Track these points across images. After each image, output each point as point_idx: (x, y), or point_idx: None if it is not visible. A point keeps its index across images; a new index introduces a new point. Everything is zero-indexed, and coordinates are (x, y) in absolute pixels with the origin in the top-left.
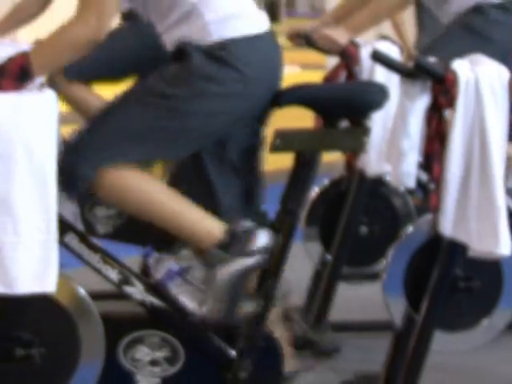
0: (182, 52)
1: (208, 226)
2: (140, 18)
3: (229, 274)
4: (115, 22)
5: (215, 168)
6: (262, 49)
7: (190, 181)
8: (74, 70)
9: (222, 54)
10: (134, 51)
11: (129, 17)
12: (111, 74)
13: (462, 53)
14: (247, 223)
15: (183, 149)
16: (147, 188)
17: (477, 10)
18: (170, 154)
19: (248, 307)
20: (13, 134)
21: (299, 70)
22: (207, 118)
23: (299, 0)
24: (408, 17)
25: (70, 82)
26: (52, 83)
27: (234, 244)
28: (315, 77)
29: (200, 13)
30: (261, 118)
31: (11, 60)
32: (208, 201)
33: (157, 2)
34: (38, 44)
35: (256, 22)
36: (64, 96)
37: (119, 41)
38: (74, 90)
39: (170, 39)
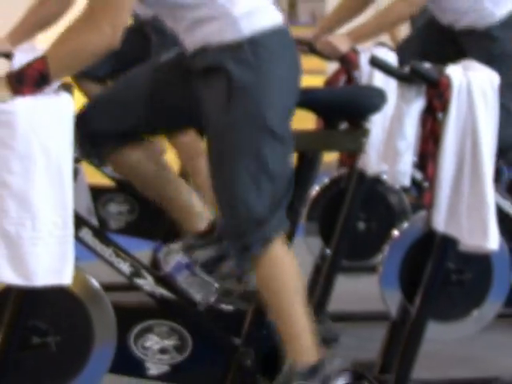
0: (211, 62)
1: (311, 347)
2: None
3: None
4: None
5: None
6: (288, 38)
7: None
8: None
9: (251, 54)
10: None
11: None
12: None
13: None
14: (338, 360)
15: (290, 159)
16: (292, 279)
17: (484, 35)
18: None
19: None
20: (31, 136)
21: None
22: (275, 112)
23: (300, 9)
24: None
25: (89, 82)
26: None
27: (314, 379)
28: (316, 81)
29: (227, 11)
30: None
31: (29, 65)
32: None
33: (171, 5)
34: (55, 49)
35: (276, 15)
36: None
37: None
38: (93, 88)
39: (190, 40)
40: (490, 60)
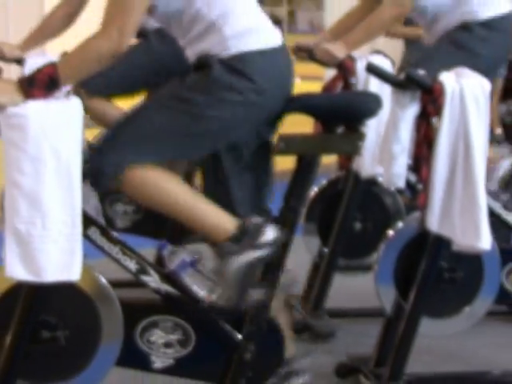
0: (203, 63)
1: (221, 220)
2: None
3: (239, 265)
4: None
5: (231, 166)
6: (275, 62)
7: (207, 177)
8: (93, 85)
9: (239, 66)
10: (144, 68)
11: (140, 34)
12: (124, 91)
13: (449, 66)
14: (258, 219)
15: (200, 150)
16: (166, 185)
17: (463, 27)
18: (188, 154)
19: (255, 295)
20: (42, 138)
21: (300, 80)
22: (224, 123)
23: (299, 18)
24: None
25: (90, 97)
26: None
27: (244, 238)
28: (314, 87)
29: (219, 28)
30: (273, 123)
31: (40, 70)
32: (222, 197)
33: (179, 20)
34: (66, 55)
35: (270, 37)
36: (86, 109)
37: (130, 59)
38: (95, 104)
39: (192, 52)
40: (459, 48)
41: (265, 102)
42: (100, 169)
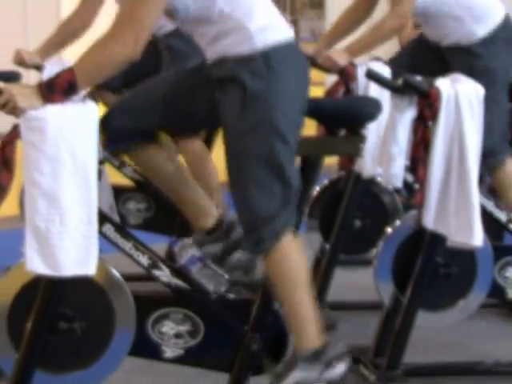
0: (227, 73)
1: (314, 332)
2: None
3: (295, 382)
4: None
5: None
6: (298, 51)
7: None
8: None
9: (264, 67)
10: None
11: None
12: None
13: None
14: (341, 345)
15: (293, 164)
16: (300, 271)
17: (467, 53)
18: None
19: None
20: (60, 140)
21: None
22: (285, 117)
23: (302, 27)
24: None
25: (105, 92)
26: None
27: (318, 360)
28: (317, 92)
29: (244, 25)
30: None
31: (59, 76)
32: None
33: (200, 22)
34: (82, 60)
35: (287, 30)
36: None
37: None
38: (109, 98)
39: (213, 51)
40: (472, 74)
41: (299, 89)
42: (250, 247)
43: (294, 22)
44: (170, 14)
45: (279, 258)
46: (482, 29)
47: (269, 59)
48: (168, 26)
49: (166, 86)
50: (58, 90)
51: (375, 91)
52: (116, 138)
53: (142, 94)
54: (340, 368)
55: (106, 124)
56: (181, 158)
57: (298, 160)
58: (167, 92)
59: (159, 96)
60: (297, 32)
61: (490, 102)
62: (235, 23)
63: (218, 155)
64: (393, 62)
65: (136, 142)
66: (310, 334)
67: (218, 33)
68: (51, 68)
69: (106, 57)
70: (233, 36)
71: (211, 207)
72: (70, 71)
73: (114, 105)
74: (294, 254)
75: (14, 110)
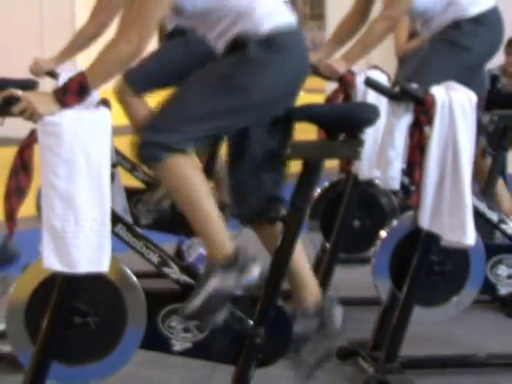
0: (237, 45)
1: (221, 240)
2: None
3: (213, 287)
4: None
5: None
6: (299, 36)
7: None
8: (138, 83)
9: (273, 42)
10: (183, 62)
11: (175, 33)
12: (166, 84)
13: (444, 65)
14: (253, 255)
15: (243, 122)
16: (195, 186)
17: (453, 26)
18: (232, 127)
19: (216, 318)
20: (75, 144)
21: (303, 93)
22: (262, 92)
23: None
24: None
25: (134, 95)
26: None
27: (231, 267)
28: (317, 99)
29: (250, 13)
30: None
31: (72, 79)
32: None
33: (207, 17)
34: (92, 62)
35: (289, 16)
36: (125, 105)
37: (171, 54)
38: (135, 102)
39: (222, 42)
40: (452, 46)
41: (296, 73)
42: (150, 147)
43: None
44: (177, 11)
45: (170, 166)
46: (474, 9)
47: (273, 38)
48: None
49: (178, 50)
50: (70, 92)
51: (373, 98)
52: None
53: (157, 57)
54: (255, 271)
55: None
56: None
57: (298, 163)
58: (178, 55)
59: (171, 58)
60: None
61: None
62: (241, 13)
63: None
64: (399, 72)
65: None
66: (219, 243)
67: (225, 25)
68: (66, 75)
69: (112, 55)
70: (240, 24)
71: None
72: (80, 74)
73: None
74: (184, 170)
75: (32, 117)
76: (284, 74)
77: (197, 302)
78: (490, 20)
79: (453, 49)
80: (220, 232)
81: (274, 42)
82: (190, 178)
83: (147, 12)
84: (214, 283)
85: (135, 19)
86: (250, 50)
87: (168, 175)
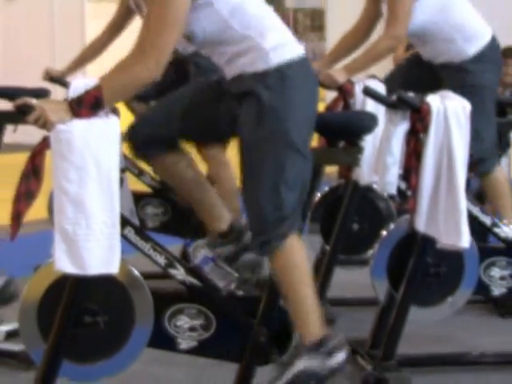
0: (244, 88)
1: (316, 324)
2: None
3: (299, 370)
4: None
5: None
6: (308, 69)
7: None
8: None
9: (278, 81)
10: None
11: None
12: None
13: (482, 109)
14: (340, 335)
15: (308, 168)
16: (303, 273)
17: (458, 70)
18: (308, 169)
19: None
20: (86, 151)
21: None
22: (300, 129)
23: (303, 47)
24: None
25: (135, 102)
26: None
27: (320, 350)
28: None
29: (259, 44)
30: None
31: (88, 92)
32: None
33: (217, 44)
34: (109, 80)
35: (298, 47)
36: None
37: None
38: (138, 107)
39: (230, 69)
40: (463, 89)
41: (310, 100)
42: (258, 247)
43: None
44: (188, 38)
45: (284, 259)
46: (472, 48)
47: (282, 74)
48: (188, 47)
49: (187, 97)
50: (85, 105)
51: (371, 106)
52: (141, 146)
53: (164, 106)
54: (340, 356)
55: (132, 133)
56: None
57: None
58: (188, 103)
59: (180, 107)
60: None
61: (478, 114)
62: (251, 43)
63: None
64: (388, 80)
65: (159, 149)
66: (312, 326)
67: (234, 53)
68: (77, 85)
69: (130, 78)
70: (249, 55)
71: (225, 212)
72: (97, 89)
73: (140, 116)
74: (297, 254)
75: (45, 125)
76: (303, 105)
77: (283, 381)
78: (489, 56)
79: (467, 91)
80: (314, 315)
81: (282, 78)
82: (301, 266)
83: (164, 38)
84: (300, 365)
85: (152, 47)
86: (262, 101)
87: (283, 267)
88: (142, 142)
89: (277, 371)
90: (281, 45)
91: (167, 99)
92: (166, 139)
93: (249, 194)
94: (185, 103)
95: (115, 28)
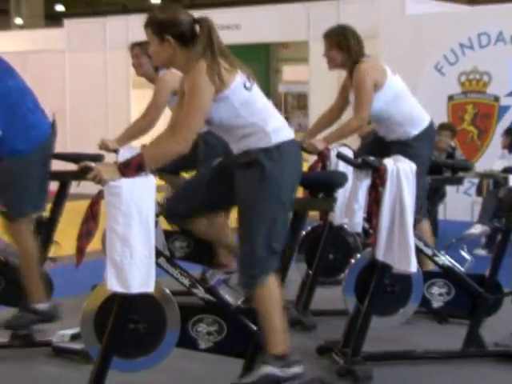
0: (250, 157)
1: (281, 341)
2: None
3: (263, 374)
4: None
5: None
6: (296, 146)
7: None
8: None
9: (277, 155)
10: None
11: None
12: (189, 168)
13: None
14: (298, 356)
15: (285, 226)
16: (276, 302)
17: (404, 144)
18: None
19: None
20: (130, 201)
21: None
22: (288, 191)
23: (292, 122)
24: None
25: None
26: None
27: (281, 362)
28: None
29: (262, 128)
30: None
31: (133, 158)
32: None
33: (229, 127)
34: (150, 150)
35: (290, 131)
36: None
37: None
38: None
39: (236, 146)
40: (407, 157)
41: (298, 167)
42: (248, 279)
43: (287, 119)
44: (208, 122)
45: (264, 292)
46: (415, 130)
47: (280, 150)
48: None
49: (206, 180)
50: (131, 168)
51: (343, 167)
52: (174, 218)
53: (190, 187)
54: (296, 369)
55: (168, 210)
56: None
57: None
58: (207, 184)
59: (203, 187)
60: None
61: (416, 177)
62: (256, 127)
63: None
64: (359, 150)
65: (186, 217)
66: (278, 343)
67: (243, 134)
68: (124, 152)
69: (165, 151)
70: (255, 136)
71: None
72: (140, 156)
73: (173, 195)
74: (274, 288)
75: (100, 182)
76: (292, 174)
77: (249, 380)
78: (427, 136)
79: (412, 160)
80: (282, 336)
81: (280, 153)
82: (276, 298)
83: (192, 122)
84: (265, 370)
85: (183, 126)
86: (266, 169)
87: (263, 298)
88: (175, 215)
89: (242, 371)
90: (278, 129)
91: (192, 182)
92: (191, 212)
93: (245, 243)
94: (204, 186)
95: (156, 113)
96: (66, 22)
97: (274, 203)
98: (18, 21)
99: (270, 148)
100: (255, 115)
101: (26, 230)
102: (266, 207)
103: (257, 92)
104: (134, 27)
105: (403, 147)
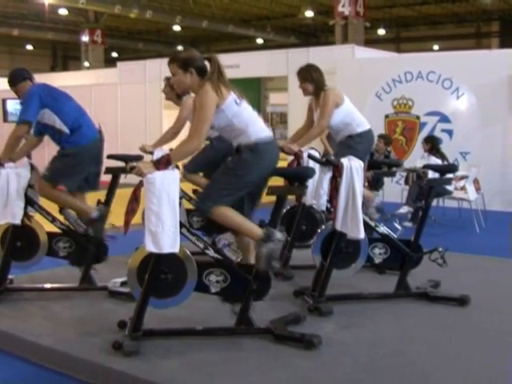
0: (238, 149)
1: (255, 230)
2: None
3: (266, 251)
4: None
5: (247, 196)
6: (273, 145)
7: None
8: (190, 168)
9: (256, 148)
10: (213, 157)
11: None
12: (205, 169)
13: (354, 154)
14: (270, 228)
15: (240, 193)
16: (231, 215)
17: (349, 137)
18: (236, 196)
19: (276, 264)
20: (162, 188)
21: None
22: (251, 176)
23: (275, 132)
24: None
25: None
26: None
27: (267, 238)
28: (283, 164)
29: (245, 131)
30: (267, 179)
31: (163, 157)
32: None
33: (225, 130)
34: (175, 150)
35: (268, 131)
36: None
37: (207, 153)
38: (191, 177)
39: (234, 142)
40: (349, 147)
41: (270, 164)
42: (202, 208)
43: (272, 130)
44: (212, 127)
45: (218, 211)
46: (359, 128)
47: (258, 146)
48: (214, 133)
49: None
50: (162, 163)
51: (312, 164)
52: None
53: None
54: (277, 235)
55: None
56: None
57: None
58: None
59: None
60: (274, 135)
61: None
62: (242, 130)
63: None
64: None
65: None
66: (253, 229)
67: (235, 135)
68: (157, 153)
69: (184, 149)
70: (241, 136)
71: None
72: (168, 155)
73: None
74: (227, 209)
75: (141, 175)
76: (262, 167)
77: (263, 260)
78: (366, 136)
79: (348, 149)
80: (252, 227)
81: (257, 148)
82: (231, 215)
83: (201, 127)
84: (265, 248)
85: (195, 131)
86: (243, 155)
87: (220, 214)
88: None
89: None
90: (258, 131)
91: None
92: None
93: (207, 187)
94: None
95: (181, 124)
96: (119, 63)
97: (235, 177)
98: (86, 64)
99: (250, 143)
100: (242, 123)
101: (52, 191)
102: (230, 175)
103: (245, 106)
104: (165, 67)
105: (347, 139)
